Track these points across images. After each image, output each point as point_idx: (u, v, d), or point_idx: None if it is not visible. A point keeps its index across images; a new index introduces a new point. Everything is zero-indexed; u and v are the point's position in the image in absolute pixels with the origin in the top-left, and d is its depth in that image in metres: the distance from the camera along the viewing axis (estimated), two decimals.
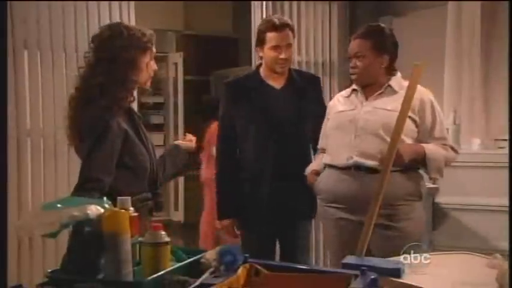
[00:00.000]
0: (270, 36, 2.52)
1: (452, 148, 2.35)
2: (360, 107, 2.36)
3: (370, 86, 2.35)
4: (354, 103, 2.39)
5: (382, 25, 2.44)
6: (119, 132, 1.96)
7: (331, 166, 2.38)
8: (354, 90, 2.43)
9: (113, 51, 1.98)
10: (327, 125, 2.47)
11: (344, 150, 2.34)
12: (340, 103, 2.47)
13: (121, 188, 1.93)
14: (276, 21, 2.54)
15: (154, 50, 2.08)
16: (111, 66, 1.97)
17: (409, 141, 2.27)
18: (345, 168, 2.32)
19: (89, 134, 1.93)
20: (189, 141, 2.33)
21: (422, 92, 2.32)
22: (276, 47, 2.52)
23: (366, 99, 2.36)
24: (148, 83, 2.12)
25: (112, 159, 1.94)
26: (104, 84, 1.95)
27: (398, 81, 2.34)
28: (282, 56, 2.53)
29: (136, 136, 2.03)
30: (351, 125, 2.35)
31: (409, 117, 2.25)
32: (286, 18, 2.69)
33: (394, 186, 2.19)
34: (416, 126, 2.29)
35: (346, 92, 2.50)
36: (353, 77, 2.37)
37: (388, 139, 2.09)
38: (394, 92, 2.30)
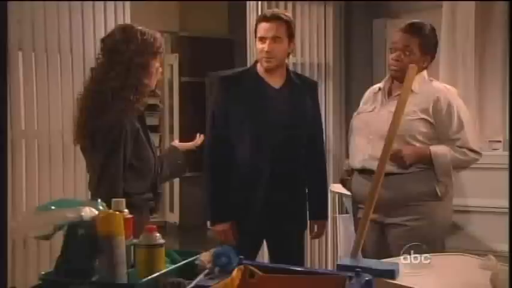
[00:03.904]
0: (259, 27, 2.45)
1: (472, 150, 2.32)
2: (378, 108, 2.39)
3: (399, 84, 2.32)
4: (375, 103, 2.43)
5: (428, 23, 2.41)
6: (131, 133, 2.01)
7: (353, 168, 2.45)
8: (380, 88, 2.44)
9: (127, 56, 2.01)
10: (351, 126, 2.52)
11: (358, 153, 2.39)
12: (364, 102, 2.50)
13: (125, 187, 1.97)
14: (268, 12, 2.48)
15: (163, 53, 2.12)
16: (124, 71, 2.00)
17: (417, 143, 2.28)
18: (361, 171, 2.36)
19: (105, 141, 1.98)
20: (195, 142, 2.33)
21: (440, 92, 2.33)
22: (261, 39, 2.43)
23: (388, 96, 2.38)
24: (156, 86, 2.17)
25: (125, 163, 2.00)
26: (116, 88, 1.98)
27: (420, 81, 2.33)
28: (265, 48, 2.42)
29: (145, 136, 2.07)
30: (365, 128, 2.39)
31: (422, 118, 2.27)
32: (284, 12, 2.58)
33: (406, 187, 2.27)
34: (433, 127, 2.29)
35: (374, 88, 2.50)
36: (395, 68, 2.34)
37: (397, 143, 2.10)
38: (412, 92, 2.25)
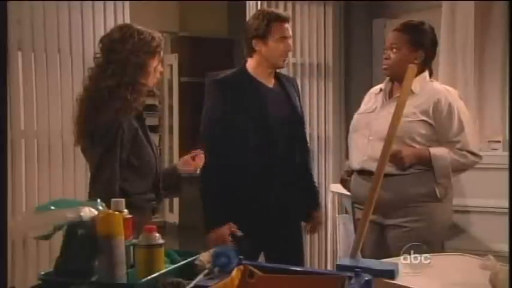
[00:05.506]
0: (277, 27, 2.41)
1: (472, 153, 2.31)
2: (378, 109, 2.39)
3: (399, 84, 2.31)
4: (376, 103, 2.42)
5: (424, 21, 2.42)
6: (129, 133, 2.00)
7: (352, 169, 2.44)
8: (381, 89, 2.45)
9: (123, 55, 2.01)
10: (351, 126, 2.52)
11: (358, 154, 2.39)
12: (365, 102, 2.50)
13: (126, 187, 1.97)
14: (281, 13, 2.52)
15: (162, 53, 2.11)
16: (120, 70, 2.00)
17: (417, 145, 2.27)
18: (360, 172, 2.36)
19: (102, 140, 1.97)
20: (198, 159, 2.25)
21: (441, 93, 2.32)
22: (284, 38, 2.43)
23: (389, 97, 2.38)
24: (155, 86, 2.16)
25: (122, 163, 1.99)
26: (113, 87, 1.98)
27: (421, 82, 2.33)
28: (289, 48, 2.46)
29: (144, 136, 2.06)
30: (365, 128, 2.38)
31: (422, 120, 2.27)
32: None
33: (405, 188, 2.26)
34: (433, 129, 2.28)
35: (375, 89, 2.50)
36: (384, 67, 2.38)
37: (396, 145, 2.09)
38: (412, 93, 2.24)
